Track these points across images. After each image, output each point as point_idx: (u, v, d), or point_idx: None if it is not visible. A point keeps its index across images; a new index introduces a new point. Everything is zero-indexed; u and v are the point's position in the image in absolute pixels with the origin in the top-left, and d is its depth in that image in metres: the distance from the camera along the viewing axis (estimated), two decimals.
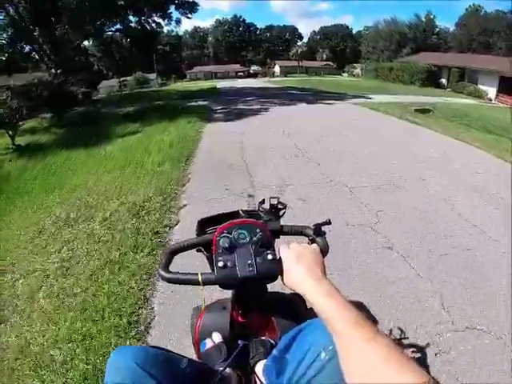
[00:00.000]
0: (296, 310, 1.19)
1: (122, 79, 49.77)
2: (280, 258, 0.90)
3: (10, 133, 11.40)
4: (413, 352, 2.23)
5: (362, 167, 5.82)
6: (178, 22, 27.99)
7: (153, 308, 2.72)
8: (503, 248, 3.39)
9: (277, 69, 74.14)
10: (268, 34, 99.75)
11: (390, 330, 2.40)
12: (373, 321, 2.36)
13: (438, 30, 69.44)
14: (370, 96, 20.33)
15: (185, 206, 4.47)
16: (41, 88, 15.62)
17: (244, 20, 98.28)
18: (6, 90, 13.56)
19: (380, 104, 15.29)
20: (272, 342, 1.11)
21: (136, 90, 40.57)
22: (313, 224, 1.06)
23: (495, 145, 7.81)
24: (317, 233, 1.04)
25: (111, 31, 28.09)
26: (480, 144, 7.64)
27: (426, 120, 11.29)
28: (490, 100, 29.18)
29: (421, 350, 2.26)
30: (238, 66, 77.75)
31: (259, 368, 1.04)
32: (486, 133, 11.03)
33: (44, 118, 16.45)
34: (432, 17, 68.33)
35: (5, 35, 19.97)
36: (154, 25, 27.75)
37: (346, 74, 68.96)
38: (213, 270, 0.93)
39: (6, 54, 20.35)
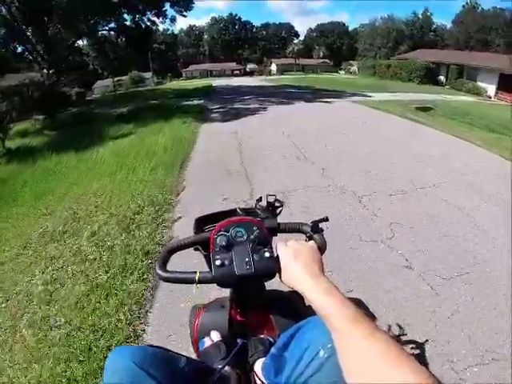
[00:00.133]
0: (294, 307, 1.18)
1: (117, 79, 49.67)
2: (277, 255, 0.90)
3: (0, 136, 11.02)
4: (412, 348, 2.23)
5: (369, 171, 5.46)
6: (173, 19, 27.54)
7: None
8: None
9: (273, 67, 73.76)
10: (264, 32, 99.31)
11: (389, 327, 2.38)
12: (372, 317, 2.43)
13: (434, 27, 69.34)
14: (369, 94, 20.01)
15: (179, 218, 4.09)
16: (32, 89, 15.21)
17: (240, 18, 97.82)
18: None
19: (380, 102, 15.07)
20: (271, 340, 1.12)
21: (131, 90, 40.12)
22: (310, 221, 1.05)
23: (499, 144, 7.54)
24: (314, 230, 1.03)
25: (105, 30, 27.74)
26: (481, 142, 7.42)
27: (427, 119, 11.04)
28: (490, 97, 28.96)
29: (420, 346, 2.25)
30: (234, 64, 77.30)
31: (258, 366, 1.04)
32: (488, 131, 10.81)
33: (37, 119, 16.09)
34: (429, 14, 68.15)
35: None
36: (148, 23, 27.40)
37: (342, 72, 68.91)
38: (210, 268, 0.93)
39: None
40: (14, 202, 5.86)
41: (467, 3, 60.66)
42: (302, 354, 0.85)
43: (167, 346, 2.28)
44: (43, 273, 3.29)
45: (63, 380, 2.10)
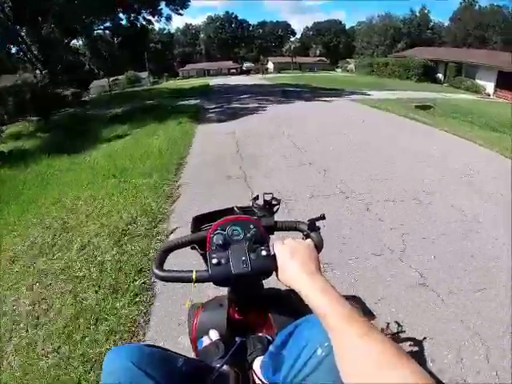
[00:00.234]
0: (293, 305, 1.13)
1: (113, 78, 49.38)
2: (274, 253, 0.90)
3: None
4: (410, 345, 2.21)
5: (373, 174, 5.21)
6: (169, 18, 27.29)
7: None
8: None
9: (270, 65, 73.64)
10: (260, 31, 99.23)
11: (388, 324, 2.35)
12: (371, 315, 2.42)
13: (432, 24, 69.22)
14: (368, 92, 19.79)
15: (174, 230, 3.77)
16: (25, 90, 14.89)
17: (236, 16, 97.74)
18: None
19: (379, 100, 14.81)
20: (269, 338, 1.12)
21: (128, 90, 39.76)
22: (307, 219, 1.04)
23: (506, 144, 7.27)
24: (311, 228, 1.03)
25: (100, 29, 27.44)
26: (483, 142, 7.20)
27: (428, 118, 10.77)
28: (488, 95, 28.85)
29: (418, 343, 2.23)
30: (231, 62, 77.17)
31: (257, 364, 1.04)
32: (490, 130, 10.63)
33: (30, 121, 15.76)
34: (426, 11, 68.01)
35: None
36: (144, 22, 27.15)
37: (339, 70, 68.85)
38: (207, 267, 0.92)
39: None
40: (2, 210, 5.52)
41: (465, 0, 60.58)
42: (300, 352, 0.85)
43: None
44: (31, 290, 3.03)
45: None
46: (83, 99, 28.91)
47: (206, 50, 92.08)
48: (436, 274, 2.93)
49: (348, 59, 71.92)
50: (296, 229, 1.10)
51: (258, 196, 1.14)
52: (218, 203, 4.19)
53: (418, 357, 2.13)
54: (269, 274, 0.92)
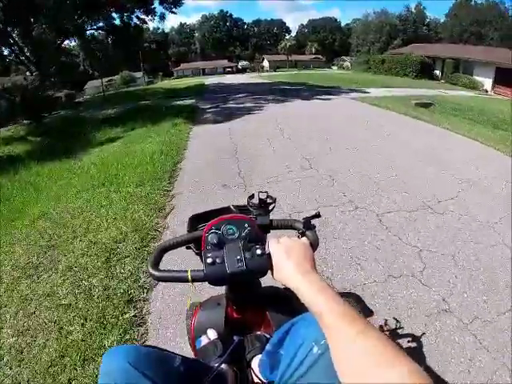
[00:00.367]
0: (290, 304, 1.13)
1: (108, 79, 49.01)
2: (269, 252, 0.90)
3: None
4: (408, 342, 2.19)
5: (382, 180, 4.85)
6: (163, 17, 26.88)
7: None
8: None
9: (265, 63, 73.39)
10: (255, 29, 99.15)
11: (386, 321, 2.33)
12: (368, 312, 2.43)
13: (428, 21, 69.09)
14: (366, 90, 19.42)
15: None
16: (15, 93, 14.43)
17: (231, 15, 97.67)
18: None
19: (378, 98, 14.55)
20: (267, 336, 1.11)
21: (122, 90, 39.26)
22: (302, 217, 1.04)
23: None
24: (307, 226, 1.03)
25: (93, 29, 27.01)
26: (486, 140, 7.00)
27: (430, 116, 10.51)
28: (486, 91, 28.60)
29: (416, 339, 2.22)
30: (226, 61, 76.80)
31: (255, 363, 1.05)
32: (493, 128, 10.32)
33: (22, 124, 15.35)
34: (422, 8, 67.84)
35: None
36: (137, 21, 26.74)
37: (335, 67, 68.87)
38: (203, 266, 0.92)
39: None
40: None
41: None
42: (296, 350, 0.85)
43: None
44: (14, 318, 2.70)
45: None
46: (77, 100, 28.45)
47: (200, 49, 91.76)
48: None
49: (343, 57, 71.91)
50: (291, 227, 1.11)
51: (253, 195, 1.13)
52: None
53: (417, 353, 2.12)
54: (264, 273, 0.91)
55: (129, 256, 3.24)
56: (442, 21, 67.32)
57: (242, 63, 76.49)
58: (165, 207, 4.27)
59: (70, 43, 30.98)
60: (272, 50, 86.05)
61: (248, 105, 13.66)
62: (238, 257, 0.90)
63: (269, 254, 0.89)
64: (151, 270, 0.97)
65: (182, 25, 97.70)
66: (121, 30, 25.93)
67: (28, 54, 21.04)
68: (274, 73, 53.47)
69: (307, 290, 0.73)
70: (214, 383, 0.91)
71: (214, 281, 0.93)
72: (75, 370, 2.13)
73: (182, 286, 2.75)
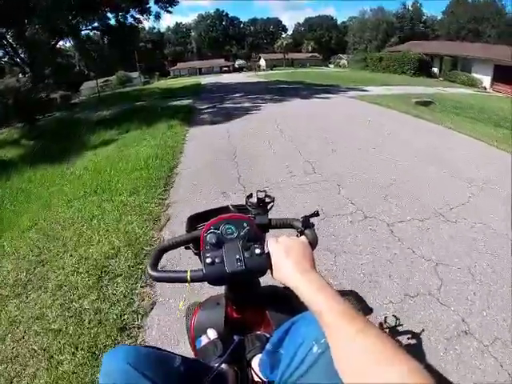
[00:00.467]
0: (290, 303, 1.12)
1: (104, 79, 48.66)
2: (268, 251, 0.89)
3: None
4: (408, 339, 2.18)
5: (390, 186, 4.60)
6: (158, 16, 26.54)
7: None
8: None
9: (262, 62, 73.23)
10: (252, 28, 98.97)
11: (385, 318, 2.32)
12: (368, 310, 2.41)
13: (425, 18, 69.01)
14: (365, 88, 19.22)
15: (165, 266, 3.06)
16: (7, 96, 14.08)
17: (227, 14, 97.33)
18: None
19: (378, 97, 14.34)
20: (267, 335, 1.11)
21: (119, 90, 38.91)
22: (301, 216, 1.04)
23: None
24: (305, 225, 1.02)
25: (88, 29, 26.70)
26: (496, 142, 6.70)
27: (432, 115, 10.34)
28: (485, 89, 28.42)
29: (416, 336, 2.21)
30: (223, 60, 76.49)
31: (255, 362, 1.04)
32: (495, 126, 10.16)
33: (16, 127, 15.03)
34: (419, 5, 67.73)
35: None
36: (132, 21, 26.44)
37: (332, 66, 68.75)
38: (202, 266, 0.92)
39: None
40: None
41: None
42: (296, 349, 0.85)
43: None
44: (3, 344, 2.50)
45: None
46: (72, 102, 28.09)
47: (197, 48, 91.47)
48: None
49: (340, 55, 71.80)
50: (290, 226, 1.10)
51: (251, 194, 1.13)
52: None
53: (417, 350, 2.11)
54: (263, 273, 0.91)
55: (121, 275, 2.99)
56: (438, 18, 67.42)
57: (239, 62, 76.20)
58: (160, 218, 4.01)
59: (65, 44, 30.70)
60: (268, 48, 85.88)
61: (246, 104, 13.41)
62: (237, 256, 0.90)
63: (268, 254, 0.89)
64: (150, 271, 0.96)
65: (177, 24, 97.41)
66: (116, 29, 25.63)
67: (22, 55, 20.79)
68: (271, 71, 53.27)
69: (307, 288, 0.73)
70: (214, 383, 0.91)
71: (214, 281, 0.93)
72: None
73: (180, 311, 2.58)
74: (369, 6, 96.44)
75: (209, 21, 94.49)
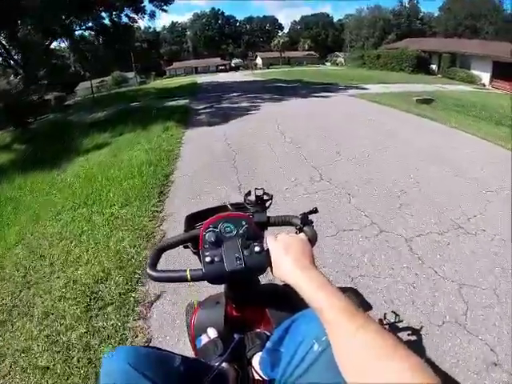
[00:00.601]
0: (290, 300, 1.09)
1: (100, 79, 48.32)
2: (268, 249, 0.89)
3: None
4: (408, 335, 2.17)
5: (406, 196, 4.27)
6: (153, 15, 26.16)
7: None
8: None
9: (259, 61, 73.01)
10: (248, 26, 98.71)
11: (385, 314, 2.28)
12: (367, 306, 2.38)
13: (421, 15, 68.96)
14: (364, 86, 19.02)
15: (157, 297, 2.72)
16: None
17: (223, 13, 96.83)
18: None
19: (378, 95, 14.12)
20: (268, 333, 1.11)
21: (114, 91, 38.50)
22: (300, 213, 1.03)
23: None
24: (304, 222, 1.01)
25: (82, 29, 26.32)
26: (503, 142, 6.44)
27: (435, 113, 10.11)
28: (484, 85, 28.32)
29: (416, 332, 2.20)
30: (219, 59, 76.19)
31: (256, 361, 1.04)
32: (497, 124, 10.07)
33: (8, 131, 14.65)
34: (415, 2, 67.63)
35: None
36: (127, 20, 26.07)
37: (328, 64, 68.58)
38: (201, 265, 0.91)
39: None
40: None
41: None
42: (297, 347, 0.84)
43: None
44: None
45: None
46: (67, 103, 27.71)
47: (193, 47, 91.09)
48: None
49: (337, 52, 71.68)
50: (289, 223, 1.09)
51: (249, 192, 1.12)
52: None
53: (417, 346, 2.10)
54: (263, 270, 0.91)
55: (112, 303, 2.66)
56: (435, 15, 67.31)
57: (235, 61, 76.10)
58: (154, 234, 3.64)
59: (60, 44, 30.29)
60: (265, 47, 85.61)
61: (243, 104, 13.10)
62: (237, 255, 0.89)
63: (267, 251, 0.89)
64: (149, 271, 0.95)
65: (173, 23, 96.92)
66: (111, 29, 25.27)
67: (15, 56, 20.46)
68: (268, 70, 53.17)
69: (307, 285, 0.73)
70: (215, 382, 0.90)
71: (213, 279, 0.93)
72: None
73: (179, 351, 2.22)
74: (365, 5, 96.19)
75: (204, 20, 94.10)
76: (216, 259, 0.89)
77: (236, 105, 13.26)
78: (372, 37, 63.61)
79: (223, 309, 1.19)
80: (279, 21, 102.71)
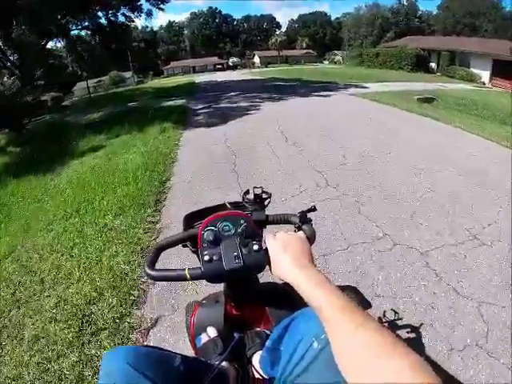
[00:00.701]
0: (289, 299, 1.12)
1: (97, 79, 48.09)
2: (266, 247, 0.89)
3: None
4: (408, 333, 2.15)
5: (418, 203, 4.01)
6: (149, 13, 25.81)
7: None
8: None
9: (256, 59, 72.78)
10: (245, 25, 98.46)
11: (384, 312, 2.26)
12: (367, 304, 2.37)
13: (420, 13, 68.85)
14: (364, 85, 18.81)
15: (155, 323, 2.46)
16: None
17: (220, 11, 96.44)
18: None
19: (379, 94, 13.95)
20: (267, 332, 1.10)
21: (111, 91, 38.24)
22: (298, 211, 1.03)
23: None
24: (303, 220, 1.01)
25: (78, 29, 26.02)
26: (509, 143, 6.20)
27: (437, 112, 9.96)
28: (484, 84, 28.13)
29: (415, 330, 2.18)
30: (217, 58, 75.96)
31: (255, 359, 1.04)
32: (500, 124, 9.88)
33: (4, 133, 14.33)
34: (414, 0, 67.56)
35: None
36: (123, 19, 25.75)
37: (326, 62, 68.52)
38: (200, 264, 0.91)
39: None
40: None
41: None
42: (296, 346, 0.84)
43: None
44: None
45: None
46: (64, 104, 27.43)
47: (190, 46, 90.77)
48: None
49: (335, 51, 71.52)
50: (288, 221, 1.08)
51: (248, 190, 1.12)
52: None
53: (416, 343, 2.08)
54: (261, 269, 0.91)
55: (106, 329, 2.43)
56: (434, 13, 67.15)
57: (233, 60, 75.78)
58: (149, 248, 3.35)
59: (57, 44, 29.97)
60: (262, 45, 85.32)
61: (242, 104, 12.85)
62: (235, 253, 0.89)
63: (266, 250, 0.88)
64: (148, 270, 0.93)
65: (170, 23, 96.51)
66: (107, 28, 24.98)
67: (11, 57, 20.20)
68: (266, 69, 52.92)
69: (305, 284, 0.72)
70: (215, 381, 0.90)
71: (212, 278, 0.92)
72: None
73: None
74: (363, 3, 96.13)
75: (202, 19, 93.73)
76: (215, 258, 0.89)
77: (235, 104, 13.03)
78: (370, 35, 63.43)
79: (223, 308, 1.18)
80: (277, 19, 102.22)
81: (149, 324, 2.46)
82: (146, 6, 25.02)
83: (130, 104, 16.87)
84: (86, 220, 4.09)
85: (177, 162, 6.14)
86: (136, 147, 7.28)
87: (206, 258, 0.89)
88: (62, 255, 3.46)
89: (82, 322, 2.51)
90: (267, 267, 0.87)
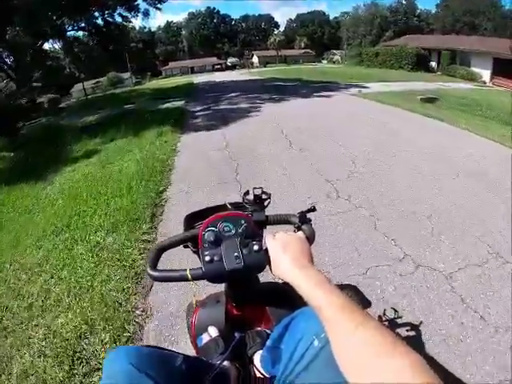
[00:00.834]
0: (289, 298, 1.10)
1: (95, 81, 47.83)
2: (266, 248, 0.89)
3: None
4: (407, 331, 2.15)
5: (438, 218, 3.66)
6: (147, 13, 25.46)
7: None
8: None
9: (255, 59, 72.68)
10: (243, 25, 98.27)
11: (384, 311, 2.26)
12: (366, 303, 2.37)
13: (419, 12, 68.68)
14: (365, 85, 18.53)
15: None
16: None
17: (218, 11, 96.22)
18: None
19: (380, 94, 13.76)
20: (268, 332, 1.11)
21: (109, 92, 37.91)
22: (298, 211, 1.04)
23: None
24: (302, 220, 1.02)
25: (75, 30, 25.70)
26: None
27: (441, 112, 9.76)
28: (485, 83, 27.84)
29: (415, 328, 2.17)
30: (215, 59, 75.71)
31: (257, 358, 1.04)
32: (505, 124, 9.49)
33: None
34: None
35: None
36: (120, 19, 25.42)
37: (325, 61, 68.27)
38: (201, 265, 0.91)
39: None
40: None
41: None
42: (297, 344, 0.84)
43: None
44: None
45: None
46: (60, 106, 27.13)
47: (188, 47, 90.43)
48: None
49: (333, 50, 71.33)
50: (287, 222, 1.09)
51: (248, 191, 1.11)
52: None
53: (416, 341, 2.07)
54: (262, 269, 0.92)
55: (98, 369, 2.13)
56: (433, 12, 67.01)
57: (231, 60, 75.62)
58: (145, 273, 3.00)
59: (54, 45, 29.65)
60: (261, 45, 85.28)
61: (242, 105, 12.58)
62: (236, 253, 0.89)
63: (266, 250, 0.88)
64: (150, 271, 0.94)
65: (168, 23, 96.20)
66: (104, 29, 24.66)
67: (6, 59, 19.92)
68: (264, 69, 52.78)
69: (305, 283, 0.72)
70: (216, 380, 0.90)
71: (213, 278, 0.92)
72: None
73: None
74: (362, 2, 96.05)
75: (200, 19, 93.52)
76: (215, 258, 0.89)
77: (235, 106, 12.77)
78: (369, 34, 63.31)
79: (224, 307, 1.18)
80: (275, 19, 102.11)
81: None
82: (142, 5, 24.69)
83: (127, 106, 16.55)
84: (76, 236, 3.77)
85: (174, 169, 5.82)
86: (132, 153, 6.97)
87: (207, 258, 0.89)
88: (52, 277, 3.16)
89: (73, 360, 2.22)
90: (267, 267, 0.88)
